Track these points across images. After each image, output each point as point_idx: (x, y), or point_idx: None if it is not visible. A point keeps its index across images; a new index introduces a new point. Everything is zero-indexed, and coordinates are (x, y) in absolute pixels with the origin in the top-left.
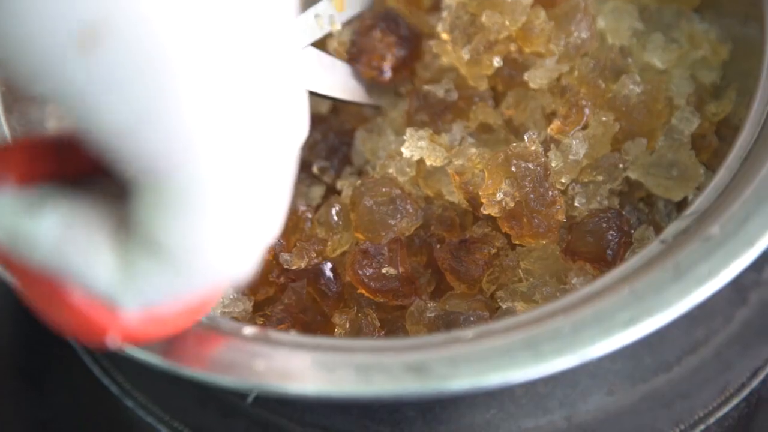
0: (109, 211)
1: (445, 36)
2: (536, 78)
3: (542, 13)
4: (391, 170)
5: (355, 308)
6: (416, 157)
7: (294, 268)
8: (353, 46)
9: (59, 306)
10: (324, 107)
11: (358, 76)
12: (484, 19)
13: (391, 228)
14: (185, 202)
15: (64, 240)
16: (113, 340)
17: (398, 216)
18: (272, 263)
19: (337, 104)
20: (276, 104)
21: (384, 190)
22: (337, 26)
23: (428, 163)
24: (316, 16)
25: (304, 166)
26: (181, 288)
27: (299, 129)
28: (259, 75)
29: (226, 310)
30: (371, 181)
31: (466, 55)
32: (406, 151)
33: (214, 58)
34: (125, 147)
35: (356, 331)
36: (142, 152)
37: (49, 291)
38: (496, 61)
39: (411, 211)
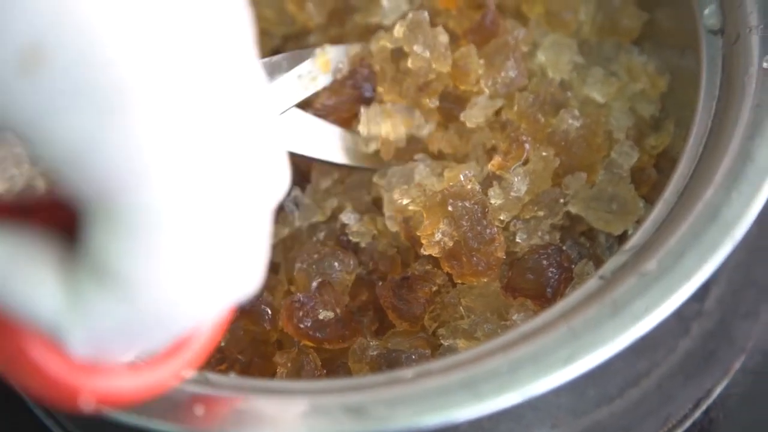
0: (56, 242)
1: (380, 89)
2: (471, 117)
3: (473, 52)
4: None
5: (296, 348)
6: (374, 132)
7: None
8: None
9: (24, 366)
10: None
11: (346, 135)
12: (409, 63)
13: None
14: (139, 227)
15: (7, 272)
16: (87, 403)
17: (332, 273)
18: None
19: None
20: (247, 149)
21: (315, 256)
22: (321, 86)
23: (392, 138)
24: (299, 76)
25: None
26: (135, 321)
27: (277, 184)
28: (225, 111)
29: None
30: (300, 250)
31: (403, 100)
32: (362, 128)
33: (172, 80)
34: (78, 168)
35: (297, 371)
36: (95, 173)
37: (10, 349)
38: (432, 103)
39: (345, 263)
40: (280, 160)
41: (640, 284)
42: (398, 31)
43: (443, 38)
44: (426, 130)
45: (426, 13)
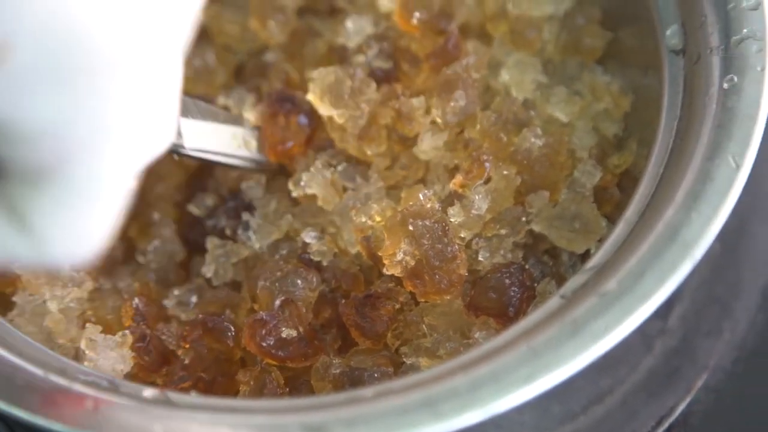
0: None
1: (336, 118)
2: (421, 153)
3: (415, 104)
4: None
5: (259, 366)
6: (312, 191)
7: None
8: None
9: None
10: None
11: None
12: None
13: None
14: (69, 195)
15: None
16: None
17: (295, 290)
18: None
19: None
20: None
21: (278, 274)
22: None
23: (319, 202)
24: (234, 135)
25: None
26: (29, 262)
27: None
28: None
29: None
30: (263, 268)
31: (353, 130)
32: (302, 182)
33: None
34: (33, 142)
35: (260, 390)
36: (52, 145)
37: None
38: (373, 149)
39: (308, 280)
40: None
41: (600, 304)
42: (312, 92)
43: (369, 91)
44: (371, 186)
45: (339, 71)
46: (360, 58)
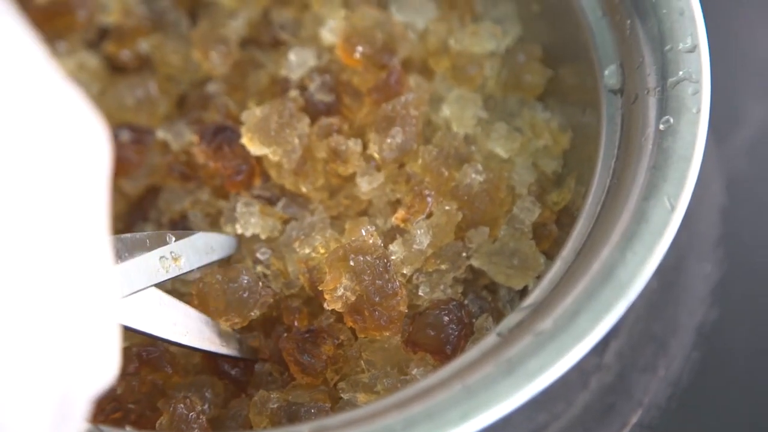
0: None
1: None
2: (361, 193)
3: (347, 141)
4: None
5: (182, 395)
6: (250, 232)
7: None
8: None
9: None
10: None
11: (211, 323)
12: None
13: (248, 309)
14: None
15: None
16: None
17: (252, 300)
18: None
19: None
20: (68, 336)
21: (237, 278)
22: (184, 271)
23: (263, 237)
24: (162, 258)
25: None
26: None
27: (99, 373)
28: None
29: None
30: (222, 270)
31: (289, 166)
32: (239, 227)
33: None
34: None
35: (178, 422)
36: None
37: None
38: (308, 186)
39: (263, 293)
40: (105, 352)
41: (535, 343)
42: (244, 134)
43: (301, 126)
44: (314, 217)
45: (265, 108)
46: (293, 93)
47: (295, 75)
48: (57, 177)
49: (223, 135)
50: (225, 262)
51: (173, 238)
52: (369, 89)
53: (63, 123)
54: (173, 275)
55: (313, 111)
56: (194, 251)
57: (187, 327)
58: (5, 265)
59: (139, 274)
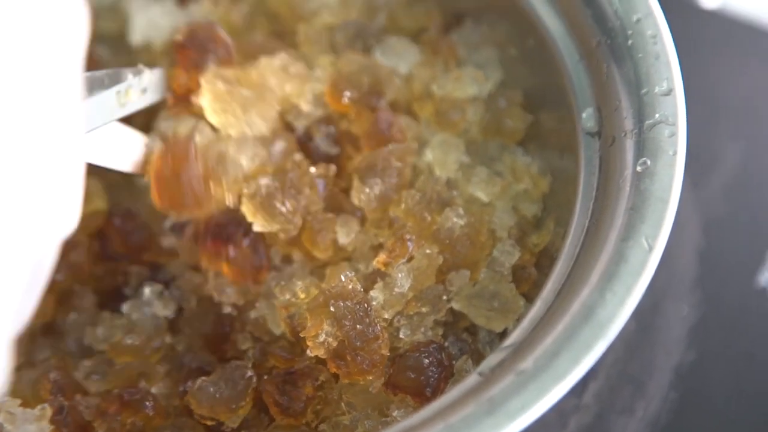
0: None
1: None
2: (343, 241)
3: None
4: None
5: None
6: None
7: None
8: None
9: None
10: None
11: None
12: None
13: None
14: None
15: None
16: None
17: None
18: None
19: None
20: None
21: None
22: (143, 104)
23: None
24: (117, 92)
25: None
26: None
27: (62, 222)
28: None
29: None
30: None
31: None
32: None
33: None
34: None
35: None
36: None
37: None
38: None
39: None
40: (68, 202)
41: (516, 382)
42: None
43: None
44: (287, 295)
45: (269, 183)
46: (298, 157)
47: (300, 124)
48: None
49: (226, 230)
50: None
51: (130, 75)
52: (363, 135)
53: None
54: (130, 111)
55: (316, 158)
56: (152, 86)
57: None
58: None
59: (100, 110)
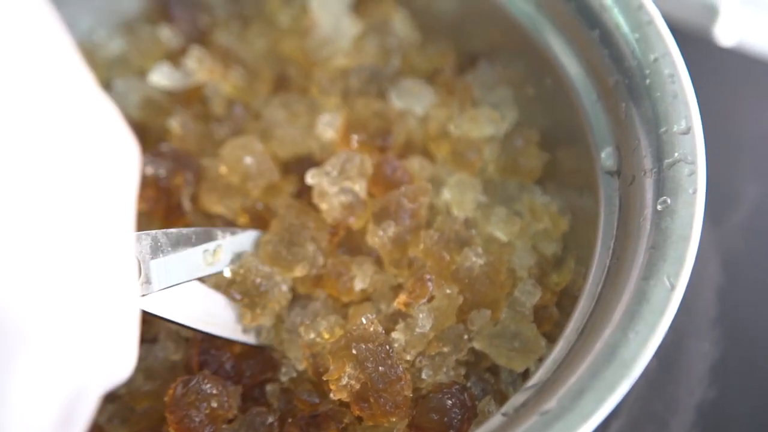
0: None
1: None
2: (359, 287)
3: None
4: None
5: None
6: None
7: None
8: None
9: None
10: None
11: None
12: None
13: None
14: None
15: None
16: None
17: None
18: None
19: None
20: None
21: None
22: (223, 261)
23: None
24: (205, 251)
25: None
26: None
27: (116, 371)
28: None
29: None
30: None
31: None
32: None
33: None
34: None
35: None
36: None
37: None
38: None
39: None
40: (124, 347)
41: (540, 423)
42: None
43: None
44: (311, 335)
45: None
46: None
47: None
48: (91, 181)
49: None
50: None
51: (219, 234)
52: (370, 181)
53: (100, 136)
54: (217, 270)
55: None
56: (239, 247)
57: (215, 317)
58: (33, 257)
59: (178, 266)
